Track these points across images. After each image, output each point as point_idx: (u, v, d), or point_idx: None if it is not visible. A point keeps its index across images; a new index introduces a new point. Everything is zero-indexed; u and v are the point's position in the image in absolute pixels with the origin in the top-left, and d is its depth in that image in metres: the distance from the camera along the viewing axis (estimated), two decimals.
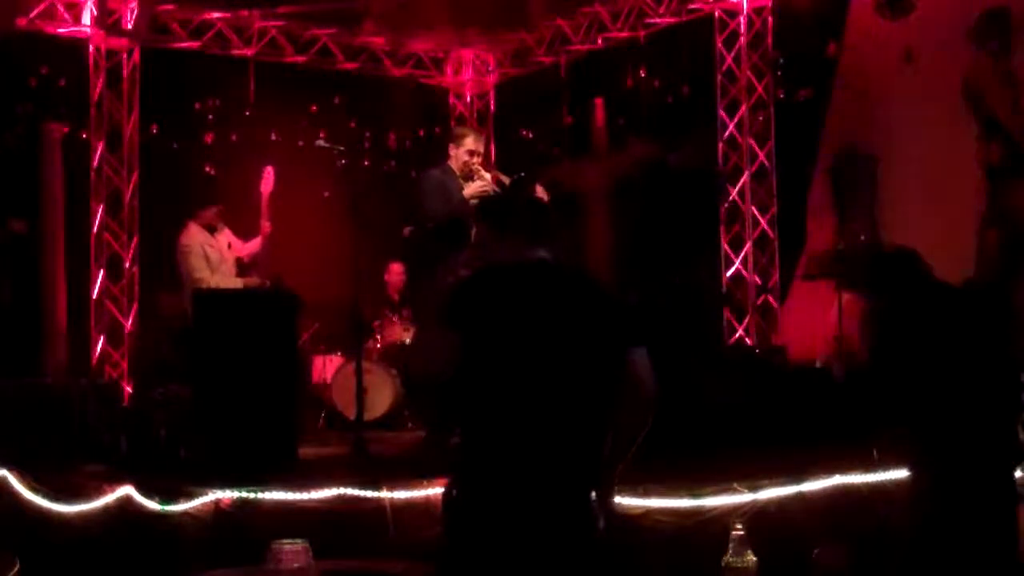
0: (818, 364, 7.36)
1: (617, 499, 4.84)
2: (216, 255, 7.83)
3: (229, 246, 7.98)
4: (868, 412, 4.77)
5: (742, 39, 9.49)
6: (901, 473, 4.72)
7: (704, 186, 8.22)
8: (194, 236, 7.83)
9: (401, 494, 5.37)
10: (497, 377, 3.06)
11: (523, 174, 6.68)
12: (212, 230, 7.91)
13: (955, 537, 3.58)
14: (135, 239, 9.85)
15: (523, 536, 2.94)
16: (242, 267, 8.05)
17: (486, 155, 11.79)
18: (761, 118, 9.51)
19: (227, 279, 7.81)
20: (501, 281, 3.20)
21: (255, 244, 7.95)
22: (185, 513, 5.67)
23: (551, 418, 3.01)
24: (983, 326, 3.79)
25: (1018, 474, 3.80)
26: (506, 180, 6.55)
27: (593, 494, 3.06)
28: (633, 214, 7.59)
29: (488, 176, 6.52)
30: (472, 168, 6.54)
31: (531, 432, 3.00)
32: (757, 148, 9.50)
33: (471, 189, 6.46)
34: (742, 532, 4.31)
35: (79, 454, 7.14)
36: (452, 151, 6.66)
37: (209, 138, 10.34)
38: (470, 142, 6.62)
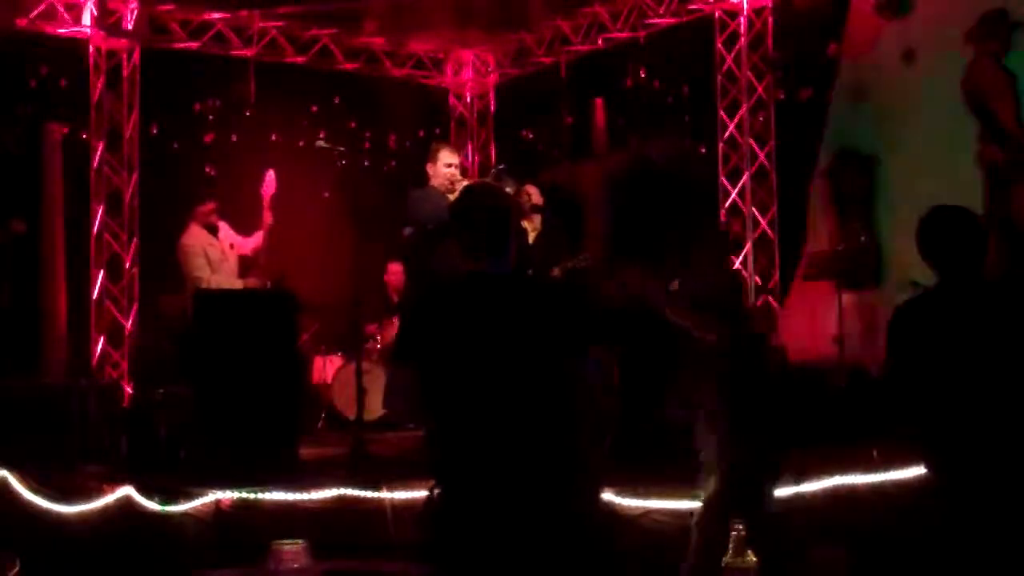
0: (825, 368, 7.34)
1: (617, 499, 4.87)
2: (217, 255, 7.85)
3: (232, 246, 8.00)
4: (878, 412, 4.74)
5: (742, 40, 9.49)
6: (902, 474, 4.73)
7: (687, 174, 8.23)
8: (195, 236, 7.86)
9: (401, 494, 5.38)
10: (460, 392, 3.14)
11: (500, 167, 6.69)
12: (214, 230, 7.93)
13: (971, 540, 3.53)
14: (135, 239, 9.85)
15: (512, 536, 3.01)
16: (244, 267, 8.06)
17: (486, 156, 11.87)
18: (761, 118, 9.51)
19: (228, 279, 7.82)
20: (441, 302, 3.28)
21: (257, 238, 7.97)
22: (185, 513, 5.67)
23: (519, 423, 3.08)
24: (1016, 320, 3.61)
25: None
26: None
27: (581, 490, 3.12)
28: (625, 212, 7.62)
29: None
30: (454, 180, 6.62)
31: (501, 438, 3.08)
32: (757, 148, 9.50)
33: None
34: (742, 532, 4.31)
35: (79, 454, 7.15)
36: (431, 169, 6.77)
37: (209, 138, 10.34)
38: (445, 155, 6.78)
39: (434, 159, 6.80)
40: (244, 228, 8.20)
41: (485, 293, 3.21)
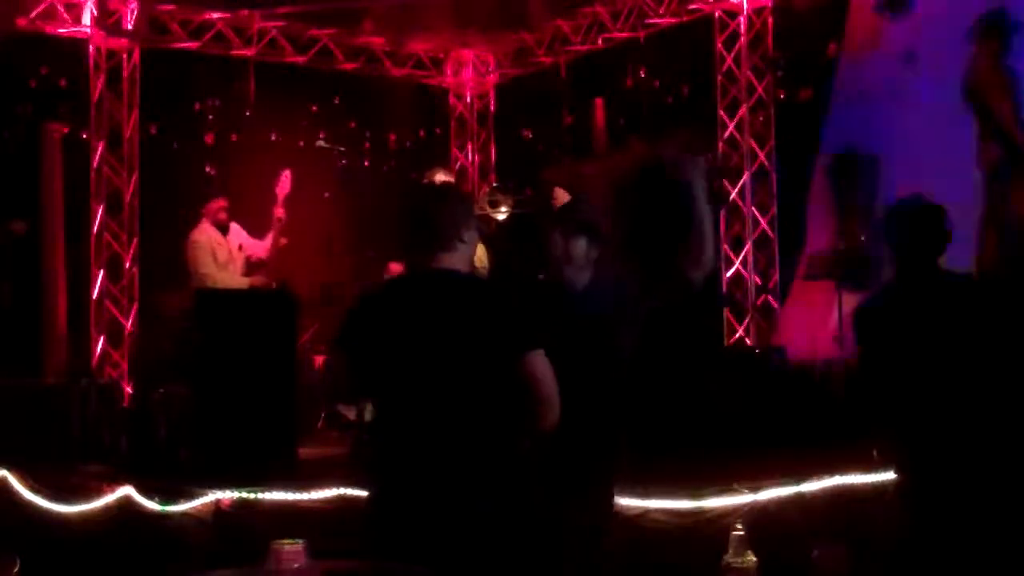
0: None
1: (617, 499, 4.86)
2: (225, 254, 7.87)
3: (240, 247, 8.01)
4: (858, 412, 4.75)
5: (742, 39, 9.49)
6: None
7: (700, 175, 8.22)
8: (205, 233, 7.89)
9: None
10: (392, 385, 3.21)
11: (494, 185, 6.68)
12: (224, 228, 7.95)
13: (945, 541, 3.54)
14: (135, 239, 9.85)
15: (436, 532, 3.07)
16: (249, 266, 8.07)
17: (487, 156, 11.86)
18: (761, 118, 9.50)
19: (234, 278, 7.84)
20: (382, 296, 3.39)
21: (268, 241, 7.99)
22: (185, 513, 5.67)
23: (447, 422, 3.14)
24: (993, 320, 3.64)
25: None
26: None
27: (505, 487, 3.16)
28: (631, 211, 7.62)
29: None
30: None
31: (428, 435, 3.15)
32: (757, 148, 9.49)
33: None
34: (742, 532, 4.30)
35: (79, 454, 7.15)
36: None
37: (209, 138, 10.34)
38: (440, 176, 6.80)
39: (430, 180, 6.84)
40: (246, 227, 8.21)
41: (423, 289, 3.26)
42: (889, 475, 4.74)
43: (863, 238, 8.35)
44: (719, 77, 9.59)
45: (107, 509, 6.04)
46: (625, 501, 4.84)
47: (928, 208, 3.74)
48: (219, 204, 8.04)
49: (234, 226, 8.08)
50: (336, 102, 11.01)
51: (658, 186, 7.14)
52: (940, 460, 3.55)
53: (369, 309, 3.34)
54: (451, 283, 3.28)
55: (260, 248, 8.05)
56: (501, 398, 3.16)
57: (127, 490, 5.96)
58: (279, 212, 7.83)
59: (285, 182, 7.84)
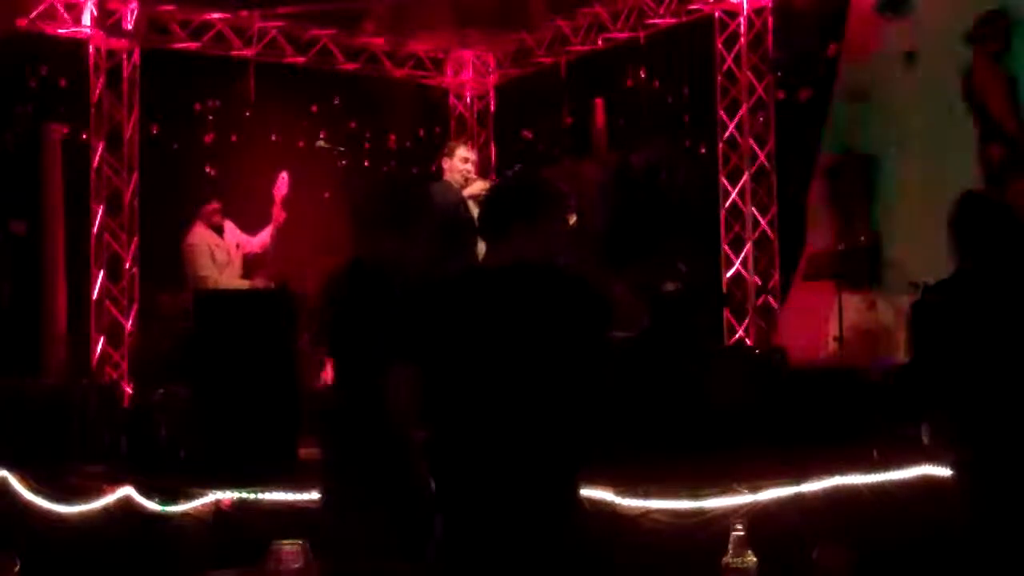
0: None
1: (617, 499, 4.87)
2: (223, 255, 7.88)
3: (237, 246, 8.02)
4: (910, 400, 4.73)
5: (742, 40, 9.48)
6: (902, 474, 4.74)
7: (662, 182, 8.26)
8: (200, 236, 7.90)
9: None
10: (469, 390, 2.99)
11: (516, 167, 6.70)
12: (219, 230, 7.96)
13: (1008, 528, 3.54)
14: (135, 239, 9.84)
15: (514, 536, 2.93)
16: (248, 267, 8.07)
17: (486, 156, 11.86)
18: (761, 119, 9.50)
19: (233, 279, 7.84)
20: (440, 297, 3.09)
21: (265, 236, 7.98)
22: (185, 513, 5.67)
23: (531, 421, 2.95)
24: None
25: None
26: None
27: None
28: (609, 213, 7.71)
29: (483, 183, 6.59)
30: (468, 176, 6.65)
31: (503, 446, 2.95)
32: (757, 149, 9.49)
33: (472, 189, 6.54)
34: (742, 532, 4.30)
35: (79, 454, 7.15)
36: (447, 164, 6.77)
37: (209, 138, 10.34)
38: (462, 151, 6.78)
39: (451, 154, 6.81)
40: (246, 228, 8.20)
41: (486, 286, 3.03)
42: (889, 475, 4.75)
43: (863, 238, 8.35)
44: (719, 77, 9.58)
45: (107, 509, 6.04)
46: (625, 501, 4.85)
47: (1000, 205, 3.84)
48: (213, 207, 8.05)
49: (228, 224, 8.08)
50: (336, 102, 11.02)
51: (626, 191, 7.16)
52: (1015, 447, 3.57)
53: (429, 312, 3.07)
54: (519, 277, 3.04)
55: (255, 244, 8.05)
56: (580, 404, 3.00)
57: (127, 490, 5.97)
58: (279, 216, 7.84)
59: (282, 184, 7.85)
